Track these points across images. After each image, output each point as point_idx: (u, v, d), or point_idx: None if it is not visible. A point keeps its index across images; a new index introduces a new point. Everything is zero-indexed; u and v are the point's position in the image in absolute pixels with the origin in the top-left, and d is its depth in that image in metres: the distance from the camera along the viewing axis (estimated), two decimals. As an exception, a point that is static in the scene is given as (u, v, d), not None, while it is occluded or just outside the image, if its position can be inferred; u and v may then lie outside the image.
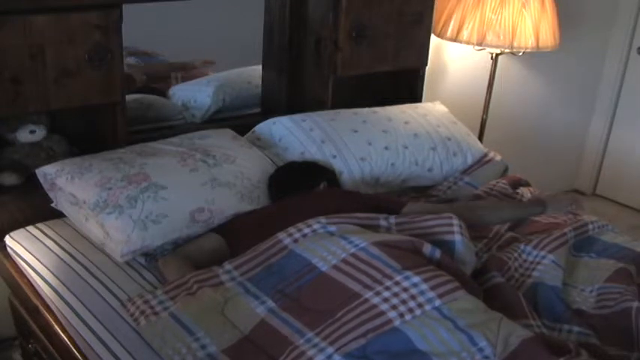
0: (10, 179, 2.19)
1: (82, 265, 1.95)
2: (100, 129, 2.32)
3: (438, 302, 1.56)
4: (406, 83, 2.95)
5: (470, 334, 1.50)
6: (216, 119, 2.72)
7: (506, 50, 2.92)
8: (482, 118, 3.21)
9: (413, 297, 1.57)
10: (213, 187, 2.07)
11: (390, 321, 1.54)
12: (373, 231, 1.88)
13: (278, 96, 2.78)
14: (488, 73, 3.14)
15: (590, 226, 2.25)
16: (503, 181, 2.51)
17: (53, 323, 1.85)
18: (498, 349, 1.47)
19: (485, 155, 2.68)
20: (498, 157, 2.69)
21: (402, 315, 1.55)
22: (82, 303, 1.82)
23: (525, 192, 2.50)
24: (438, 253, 1.74)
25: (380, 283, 1.62)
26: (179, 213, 1.99)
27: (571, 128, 3.96)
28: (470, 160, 2.62)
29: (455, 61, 3.28)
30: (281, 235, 1.85)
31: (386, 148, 2.48)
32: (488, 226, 2.20)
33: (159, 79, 2.77)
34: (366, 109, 2.65)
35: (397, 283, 1.60)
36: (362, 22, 2.60)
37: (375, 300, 1.58)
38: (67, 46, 2.06)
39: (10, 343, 2.38)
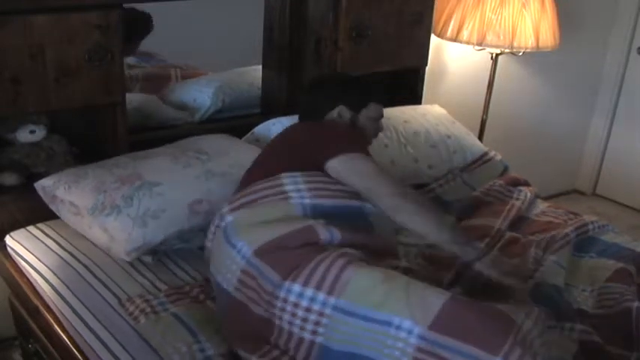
0: (10, 179, 2.19)
1: (82, 264, 1.95)
2: (100, 129, 2.32)
3: (332, 300, 1.49)
4: (406, 83, 2.95)
5: (379, 320, 1.42)
6: (216, 119, 2.71)
7: (506, 50, 2.92)
8: (482, 118, 3.21)
9: (308, 310, 1.51)
10: (207, 178, 2.08)
11: (311, 342, 1.50)
12: (275, 208, 1.72)
13: (278, 96, 2.78)
14: (488, 73, 3.14)
15: (591, 226, 2.26)
16: (501, 182, 2.50)
17: (53, 323, 1.85)
18: (417, 315, 1.40)
19: (486, 154, 2.67)
20: (499, 157, 2.69)
21: (314, 332, 1.50)
22: (82, 303, 1.82)
23: (525, 190, 2.49)
24: (337, 235, 1.64)
25: (273, 305, 1.56)
26: (177, 206, 2.00)
27: (571, 128, 3.95)
28: (469, 158, 2.62)
29: (455, 61, 3.28)
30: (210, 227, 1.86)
31: (386, 145, 2.48)
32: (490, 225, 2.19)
33: (159, 79, 2.77)
34: (366, 109, 2.65)
35: (285, 301, 1.54)
36: (362, 22, 2.60)
37: (285, 325, 1.54)
38: (67, 46, 2.06)
39: (10, 343, 2.38)
